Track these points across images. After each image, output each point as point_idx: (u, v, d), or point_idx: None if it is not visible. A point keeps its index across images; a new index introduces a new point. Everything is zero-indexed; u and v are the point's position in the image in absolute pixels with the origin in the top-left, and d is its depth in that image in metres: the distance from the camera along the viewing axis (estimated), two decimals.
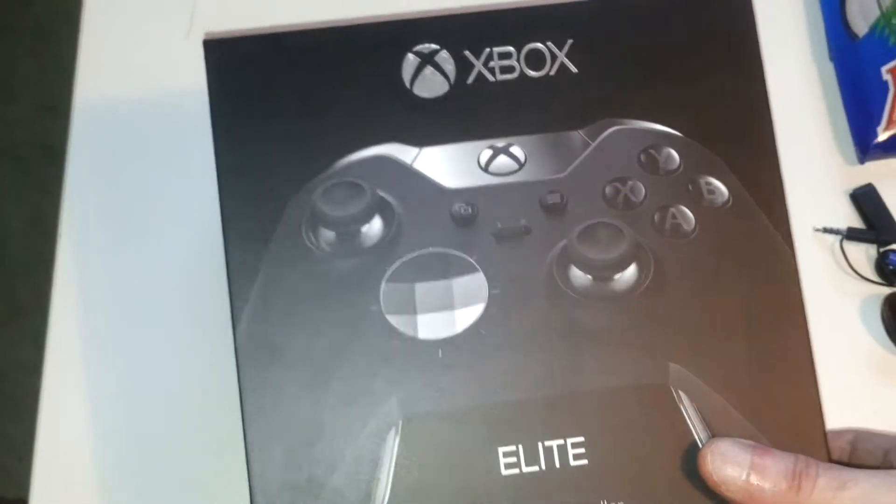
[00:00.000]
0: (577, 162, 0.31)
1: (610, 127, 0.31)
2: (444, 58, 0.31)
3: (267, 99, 0.31)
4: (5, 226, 1.15)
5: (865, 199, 0.45)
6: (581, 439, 0.29)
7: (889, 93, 0.44)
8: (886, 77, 0.45)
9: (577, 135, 0.31)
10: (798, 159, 0.44)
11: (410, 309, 0.29)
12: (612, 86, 0.32)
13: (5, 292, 1.12)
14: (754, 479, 0.27)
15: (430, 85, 0.31)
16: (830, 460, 0.29)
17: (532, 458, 0.29)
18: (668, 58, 0.32)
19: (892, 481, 0.27)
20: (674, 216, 0.31)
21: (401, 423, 0.29)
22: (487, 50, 0.31)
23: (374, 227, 0.30)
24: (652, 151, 0.31)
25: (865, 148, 0.45)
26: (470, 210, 0.30)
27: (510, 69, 0.31)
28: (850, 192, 0.45)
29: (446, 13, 0.32)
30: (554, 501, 0.29)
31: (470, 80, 0.31)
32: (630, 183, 0.31)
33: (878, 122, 0.44)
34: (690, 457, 0.29)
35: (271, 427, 0.29)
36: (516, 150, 0.31)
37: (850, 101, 0.47)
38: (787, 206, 0.30)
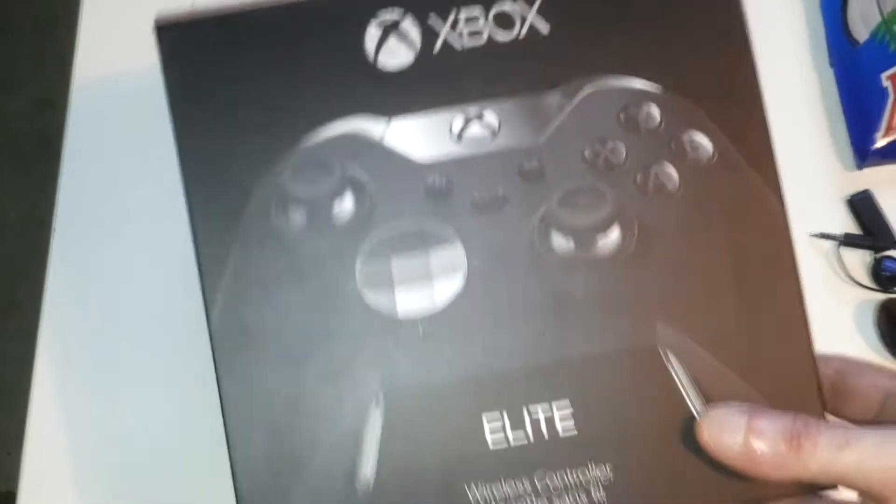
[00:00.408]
0: (553, 126, 0.30)
1: (586, 86, 0.30)
2: (409, 27, 0.31)
3: (225, 82, 0.30)
4: (2, 219, 1.15)
5: (862, 205, 0.45)
6: (567, 402, 0.29)
7: (888, 99, 0.44)
8: (886, 83, 0.44)
9: (553, 96, 0.30)
10: (796, 164, 0.44)
11: (388, 285, 0.29)
12: (587, 42, 0.30)
13: (1, 287, 1.12)
14: (753, 443, 0.26)
15: (396, 56, 0.30)
16: (825, 409, 0.28)
17: (517, 423, 0.28)
18: (645, 6, 0.31)
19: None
20: (657, 176, 0.30)
21: (382, 397, 0.28)
22: (454, 12, 0.30)
23: (346, 206, 0.29)
24: (632, 110, 0.30)
25: (864, 154, 0.45)
26: (445, 183, 0.30)
27: (478, 34, 0.30)
28: (847, 197, 0.45)
29: None
30: (541, 465, 0.28)
31: (436, 49, 0.30)
32: (610, 144, 0.30)
33: (876, 129, 0.44)
34: (681, 418, 0.28)
35: (251, 410, 0.28)
36: (490, 117, 0.30)
37: (849, 107, 0.47)
38: (775, 160, 0.30)
